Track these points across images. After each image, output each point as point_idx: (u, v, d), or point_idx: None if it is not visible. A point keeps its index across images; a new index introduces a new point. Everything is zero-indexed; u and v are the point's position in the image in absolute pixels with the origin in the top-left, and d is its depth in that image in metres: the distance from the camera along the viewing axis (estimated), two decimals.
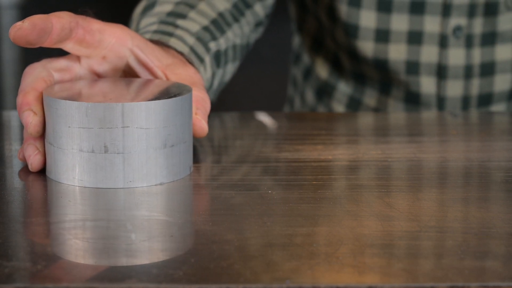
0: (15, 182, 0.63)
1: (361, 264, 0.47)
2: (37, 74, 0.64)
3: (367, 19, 0.94)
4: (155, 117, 0.59)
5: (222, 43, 0.82)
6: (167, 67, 0.68)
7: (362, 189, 0.61)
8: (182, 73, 0.69)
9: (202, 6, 0.83)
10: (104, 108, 0.58)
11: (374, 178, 0.64)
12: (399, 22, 0.93)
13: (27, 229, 0.53)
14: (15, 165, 0.66)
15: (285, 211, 0.56)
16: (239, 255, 0.49)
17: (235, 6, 0.88)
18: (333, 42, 1.00)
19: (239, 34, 0.87)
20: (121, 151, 0.59)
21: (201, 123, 0.65)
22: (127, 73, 0.68)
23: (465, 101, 0.95)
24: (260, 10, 0.91)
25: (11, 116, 0.85)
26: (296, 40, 1.10)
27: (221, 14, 0.85)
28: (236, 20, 0.87)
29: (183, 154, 0.62)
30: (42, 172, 0.63)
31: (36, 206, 0.57)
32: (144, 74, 0.68)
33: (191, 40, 0.78)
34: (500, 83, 0.95)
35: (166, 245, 0.50)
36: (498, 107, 0.97)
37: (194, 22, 0.80)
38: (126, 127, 0.59)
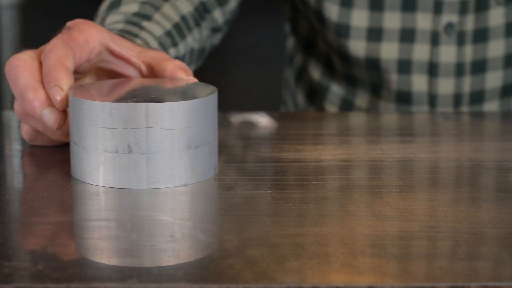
0: (15, 182, 0.63)
1: (361, 264, 0.47)
2: (64, 52, 0.63)
3: (359, 18, 0.94)
4: (179, 118, 0.59)
5: (181, 48, 0.83)
6: (140, 54, 0.69)
7: (362, 189, 0.61)
8: (156, 54, 0.69)
9: (166, 8, 0.83)
10: (128, 109, 0.58)
11: (375, 178, 0.64)
12: (392, 20, 0.93)
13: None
14: (15, 165, 0.66)
15: (285, 211, 0.56)
16: (239, 255, 0.49)
17: (196, 9, 0.88)
18: (325, 44, 1.00)
19: (197, 39, 0.87)
20: (145, 151, 0.59)
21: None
22: (99, 68, 0.69)
23: (457, 99, 0.95)
24: (219, 16, 0.91)
25: (11, 116, 0.85)
26: (290, 42, 1.10)
27: (183, 18, 0.84)
28: (197, 24, 0.87)
29: (207, 155, 0.61)
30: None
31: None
32: (119, 65, 0.69)
33: (154, 44, 0.78)
34: (491, 80, 0.95)
35: (166, 245, 0.50)
36: (491, 105, 0.97)
37: (158, 25, 0.80)
38: (149, 128, 0.58)
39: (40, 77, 0.63)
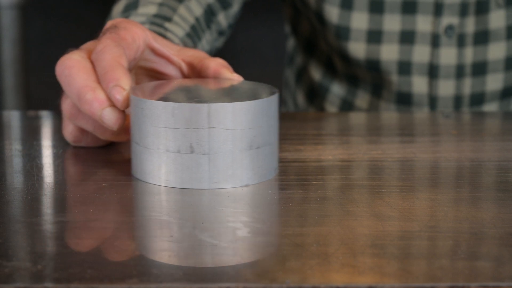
0: (15, 182, 0.63)
1: (361, 264, 0.47)
2: (117, 51, 0.63)
3: (359, 20, 0.94)
4: (241, 118, 0.59)
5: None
6: (179, 52, 0.69)
7: (363, 189, 0.61)
8: (195, 52, 0.69)
9: (182, 10, 0.83)
10: (190, 109, 0.58)
11: (375, 178, 0.64)
12: (391, 23, 0.93)
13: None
14: (15, 165, 0.66)
15: (285, 211, 0.56)
16: (239, 255, 0.49)
17: (205, 11, 0.88)
18: (326, 44, 1.00)
19: (209, 41, 0.88)
20: (207, 152, 0.59)
21: (241, 78, 0.67)
22: (140, 67, 0.69)
23: (457, 101, 0.95)
24: (223, 19, 0.91)
25: (11, 116, 0.85)
26: (291, 42, 1.10)
27: (197, 20, 0.85)
28: (208, 26, 0.88)
29: (268, 156, 0.61)
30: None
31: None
32: (160, 64, 0.69)
33: (180, 45, 0.78)
34: (492, 82, 0.95)
35: (166, 245, 0.50)
36: (491, 107, 0.97)
37: (179, 27, 0.81)
38: (212, 128, 0.58)
39: (96, 77, 0.62)
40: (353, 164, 0.67)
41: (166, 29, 0.78)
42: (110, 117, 0.61)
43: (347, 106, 1.01)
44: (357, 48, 0.95)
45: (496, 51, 0.94)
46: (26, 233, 0.52)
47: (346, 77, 1.00)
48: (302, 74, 1.07)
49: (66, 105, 0.65)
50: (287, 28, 1.10)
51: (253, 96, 0.60)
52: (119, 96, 0.60)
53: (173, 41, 0.77)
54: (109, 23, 0.67)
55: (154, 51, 0.68)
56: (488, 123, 0.84)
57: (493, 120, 0.86)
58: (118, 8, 0.84)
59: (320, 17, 0.96)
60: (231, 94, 0.62)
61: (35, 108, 0.80)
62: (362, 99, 1.00)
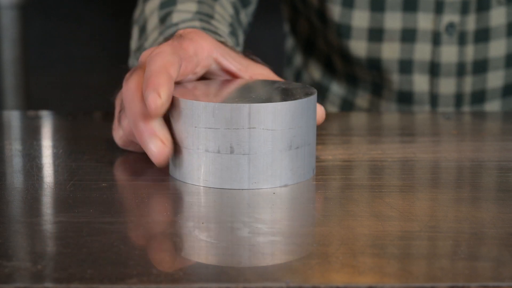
0: (15, 182, 0.63)
1: (361, 264, 0.47)
2: (170, 59, 0.61)
3: (360, 19, 0.94)
4: (281, 119, 0.59)
5: (239, 48, 0.82)
6: (247, 68, 0.68)
7: (362, 189, 0.61)
8: (263, 70, 0.68)
9: (218, 8, 0.82)
10: (231, 109, 0.58)
11: (375, 178, 0.64)
12: (392, 21, 0.93)
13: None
14: (15, 165, 0.66)
15: (285, 211, 0.56)
16: (239, 255, 0.49)
17: (233, 9, 0.87)
18: (326, 44, 1.00)
19: (243, 39, 0.87)
20: (247, 152, 0.59)
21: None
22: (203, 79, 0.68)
23: (458, 99, 0.95)
24: (244, 18, 0.90)
25: (11, 116, 0.85)
26: (289, 42, 1.10)
27: (232, 17, 0.84)
28: (239, 24, 0.87)
29: (307, 156, 0.61)
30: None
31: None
32: (226, 78, 0.67)
33: (230, 43, 0.75)
34: (493, 80, 0.95)
35: (166, 245, 0.50)
36: (492, 105, 0.97)
37: (222, 24, 0.80)
38: (252, 128, 0.58)
39: (172, 69, 0.61)
40: (353, 164, 0.67)
41: (216, 27, 0.77)
42: (154, 151, 0.59)
43: (347, 105, 1.01)
44: (358, 47, 0.95)
45: (497, 48, 0.94)
46: (26, 233, 0.52)
47: (346, 77, 1.00)
48: (301, 74, 1.07)
49: (126, 124, 0.64)
50: (286, 28, 1.10)
51: (292, 96, 0.60)
52: (152, 103, 0.58)
53: (226, 40, 0.74)
54: (178, 32, 0.66)
55: (222, 67, 0.67)
56: (488, 123, 0.84)
57: (493, 120, 0.86)
58: (151, 4, 0.81)
59: (322, 16, 0.96)
60: (271, 94, 0.61)
61: (35, 108, 0.80)
62: (362, 98, 1.00)
